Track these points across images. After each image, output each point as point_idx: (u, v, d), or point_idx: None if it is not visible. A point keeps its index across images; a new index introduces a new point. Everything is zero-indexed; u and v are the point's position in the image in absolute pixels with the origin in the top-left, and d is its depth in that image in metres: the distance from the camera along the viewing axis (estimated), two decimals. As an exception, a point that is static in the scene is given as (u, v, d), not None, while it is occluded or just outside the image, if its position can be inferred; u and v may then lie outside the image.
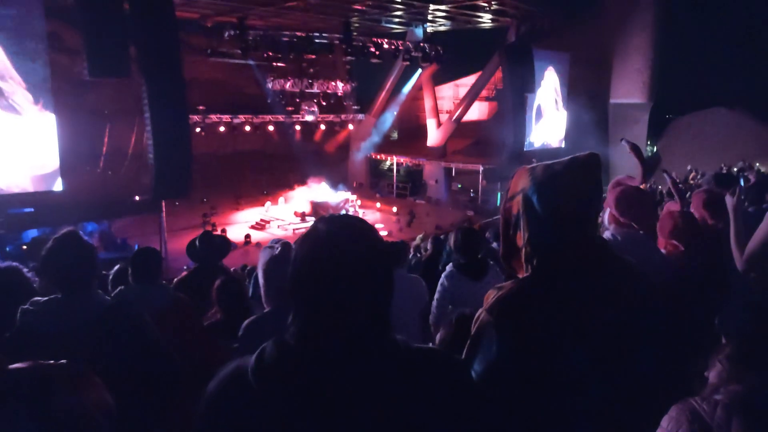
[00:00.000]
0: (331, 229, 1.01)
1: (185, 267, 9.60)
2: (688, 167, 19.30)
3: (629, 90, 24.92)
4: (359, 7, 19.48)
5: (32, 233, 15.42)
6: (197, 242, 4.16)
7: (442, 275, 3.40)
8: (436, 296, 3.38)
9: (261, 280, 2.10)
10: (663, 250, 2.65)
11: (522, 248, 1.36)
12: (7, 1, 10.91)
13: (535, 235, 1.33)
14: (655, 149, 28.80)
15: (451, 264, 3.44)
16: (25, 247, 14.08)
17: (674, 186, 2.65)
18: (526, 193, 1.35)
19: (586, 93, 25.13)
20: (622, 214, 2.31)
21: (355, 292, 0.96)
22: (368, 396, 0.93)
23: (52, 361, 0.90)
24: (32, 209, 14.54)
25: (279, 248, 2.10)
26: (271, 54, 21.99)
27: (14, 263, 2.40)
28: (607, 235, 2.34)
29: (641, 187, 2.52)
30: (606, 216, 2.41)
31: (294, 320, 1.00)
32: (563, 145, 26.18)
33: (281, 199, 24.45)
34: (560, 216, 1.31)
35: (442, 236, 10.97)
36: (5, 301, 1.78)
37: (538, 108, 24.77)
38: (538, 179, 1.35)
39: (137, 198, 16.34)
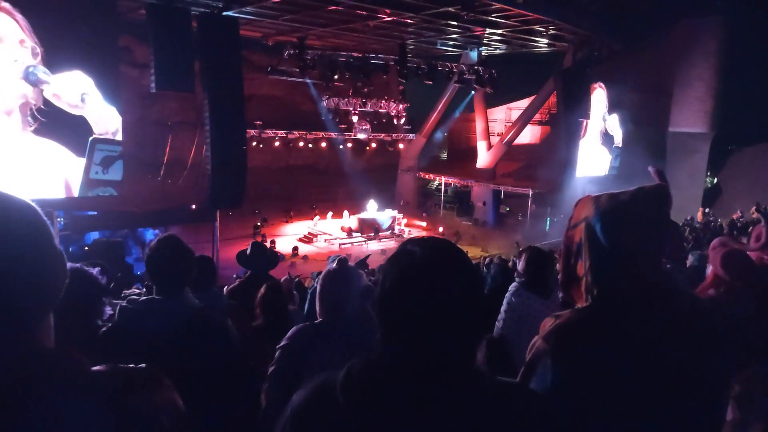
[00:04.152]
0: (425, 253, 1.00)
1: (235, 275, 9.87)
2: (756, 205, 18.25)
3: (689, 119, 24.07)
4: (415, 30, 19.75)
5: (94, 235, 16.19)
6: (248, 252, 4.28)
7: (509, 293, 3.32)
8: (501, 315, 3.30)
9: (317, 292, 2.18)
10: (711, 290, 2.55)
11: (582, 278, 1.34)
12: (86, 14, 11.63)
13: (596, 265, 1.31)
14: (715, 181, 27.64)
15: (515, 283, 3.38)
16: (87, 248, 14.79)
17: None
18: (589, 221, 1.33)
19: (644, 120, 24.46)
20: None
21: (447, 319, 0.96)
22: (451, 425, 0.94)
23: (131, 365, 0.96)
24: (95, 213, 15.30)
25: (336, 265, 2.16)
26: (329, 74, 22.52)
27: (77, 264, 2.52)
28: None
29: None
30: None
31: (382, 340, 1.00)
32: (607, 172, 25.41)
33: (329, 214, 24.82)
34: (624, 247, 1.29)
35: (488, 259, 10.86)
36: (78, 299, 1.87)
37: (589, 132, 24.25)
38: (602, 208, 1.32)
39: (193, 206, 16.93)
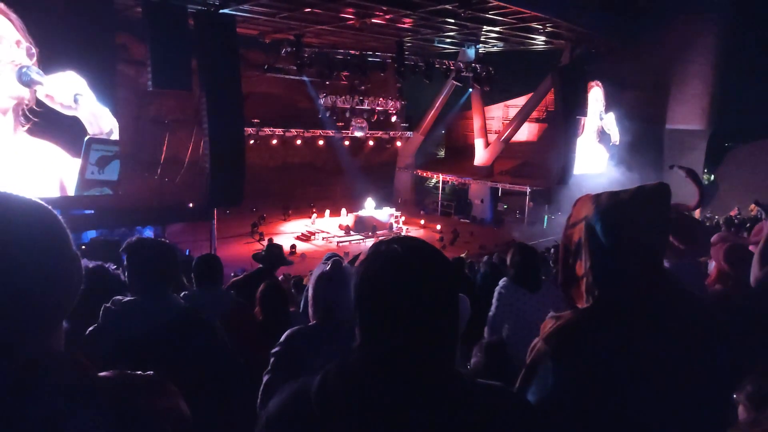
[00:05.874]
0: (400, 252, 0.96)
1: (233, 273, 9.85)
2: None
3: (687, 116, 24.12)
4: (413, 28, 19.72)
5: (91, 234, 16.13)
6: (264, 250, 4.75)
7: (497, 288, 3.38)
8: (492, 310, 3.35)
9: (310, 294, 2.12)
10: (717, 285, 2.56)
11: (582, 278, 1.32)
12: (83, 13, 11.59)
13: (597, 264, 1.29)
14: (712, 178, 27.69)
15: (505, 278, 3.43)
16: (83, 247, 14.74)
17: None
18: (588, 221, 1.31)
19: (641, 117, 24.49)
20: (684, 242, 2.24)
21: (425, 320, 0.93)
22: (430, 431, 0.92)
23: (138, 372, 0.96)
24: (92, 211, 15.25)
25: (329, 266, 2.11)
26: (326, 71, 22.50)
27: (100, 263, 2.50)
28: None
29: (695, 213, 2.47)
30: None
31: (360, 345, 0.97)
32: (605, 170, 25.49)
33: (327, 212, 24.79)
34: (624, 246, 1.27)
35: (486, 258, 10.82)
36: (99, 298, 1.85)
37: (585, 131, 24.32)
38: (602, 207, 1.31)
39: (191, 205, 16.89)
